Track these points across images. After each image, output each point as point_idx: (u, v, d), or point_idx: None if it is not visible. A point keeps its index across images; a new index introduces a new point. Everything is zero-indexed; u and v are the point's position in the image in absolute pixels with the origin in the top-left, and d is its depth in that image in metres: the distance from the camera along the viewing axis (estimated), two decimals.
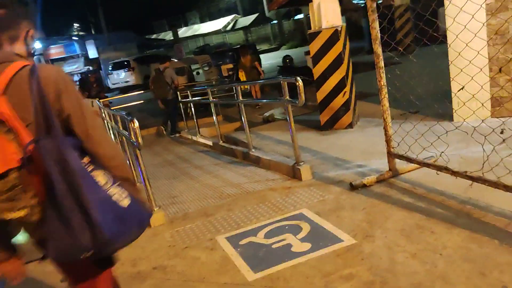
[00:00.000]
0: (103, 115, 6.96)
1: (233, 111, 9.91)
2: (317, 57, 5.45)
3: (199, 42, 45.27)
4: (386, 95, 3.61)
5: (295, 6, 19.99)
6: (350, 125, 5.53)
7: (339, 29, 5.29)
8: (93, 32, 31.97)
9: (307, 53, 13.45)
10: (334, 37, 5.30)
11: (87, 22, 33.60)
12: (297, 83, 3.79)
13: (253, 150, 5.32)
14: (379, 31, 3.47)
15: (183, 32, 43.33)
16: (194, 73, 13.75)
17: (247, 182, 4.45)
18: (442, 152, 3.31)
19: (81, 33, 32.04)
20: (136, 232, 1.45)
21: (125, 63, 22.88)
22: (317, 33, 5.39)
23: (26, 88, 1.35)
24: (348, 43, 5.56)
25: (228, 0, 47.29)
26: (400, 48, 4.10)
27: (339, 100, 5.47)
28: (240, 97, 5.25)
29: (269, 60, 24.06)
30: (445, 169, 3.04)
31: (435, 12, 12.11)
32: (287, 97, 4.09)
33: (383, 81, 3.56)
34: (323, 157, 4.69)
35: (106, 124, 6.69)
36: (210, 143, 6.97)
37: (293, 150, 4.21)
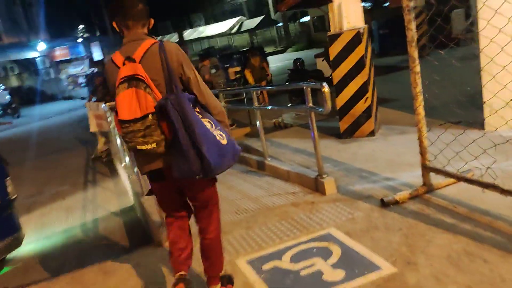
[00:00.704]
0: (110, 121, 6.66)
1: (241, 115, 9.62)
2: (337, 61, 5.14)
3: (204, 45, 45.08)
4: (422, 103, 3.29)
5: (305, 8, 19.68)
6: (372, 133, 5.21)
7: (361, 31, 4.97)
8: (98, 33, 31.80)
9: (317, 55, 13.15)
10: (355, 40, 4.98)
11: (92, 23, 33.43)
12: (323, 90, 3.48)
13: (269, 159, 5.01)
14: (415, 33, 3.14)
15: (188, 34, 43.14)
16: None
17: (265, 195, 4.14)
18: (488, 167, 2.99)
19: (86, 34, 31.87)
20: (231, 162, 2.15)
21: None
22: (337, 35, 5.08)
23: (157, 58, 2.05)
24: (370, 46, 5.24)
25: (233, 2, 47.07)
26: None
27: (361, 107, 5.15)
28: (256, 103, 4.94)
29: (275, 62, 23.75)
30: (493, 187, 2.72)
31: (447, 15, 11.74)
32: (311, 104, 3.78)
33: (419, 88, 3.27)
34: (346, 168, 4.37)
35: (113, 132, 6.41)
36: None
37: (316, 160, 3.90)
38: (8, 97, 22.44)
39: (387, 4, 18.45)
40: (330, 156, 4.85)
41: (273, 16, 42.18)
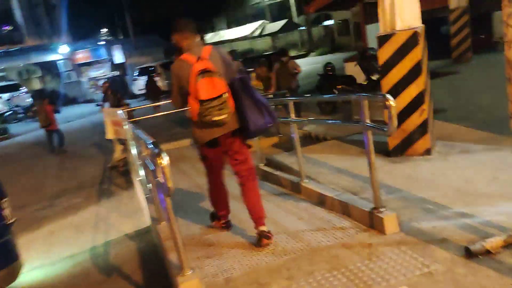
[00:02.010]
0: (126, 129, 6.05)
1: None
2: (388, 66, 4.38)
3: (226, 48, 44.67)
4: None
5: (333, 10, 18.90)
6: (428, 152, 4.42)
7: (419, 31, 4.20)
8: (120, 36, 31.69)
9: (346, 60, 12.35)
10: (411, 41, 4.22)
11: (114, 26, 33.37)
12: (388, 103, 2.73)
13: (306, 180, 4.27)
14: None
15: (210, 38, 42.76)
16: None
17: (306, 229, 3.39)
18: None
19: (108, 37, 31.80)
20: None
21: (151, 68, 22.25)
22: (388, 36, 4.32)
23: (217, 57, 3.05)
24: (426, 49, 4.46)
25: (256, 5, 46.53)
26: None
27: (415, 120, 4.37)
28: (293, 115, 4.21)
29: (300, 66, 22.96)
30: None
31: (488, 16, 10.78)
32: (369, 121, 3.03)
33: None
34: (403, 196, 3.60)
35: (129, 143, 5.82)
36: None
37: (372, 189, 3.15)
38: (29, 99, 22.30)
39: None
40: (380, 179, 4.07)
41: (296, 19, 41.43)
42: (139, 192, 6.15)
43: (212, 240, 3.59)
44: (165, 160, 2.36)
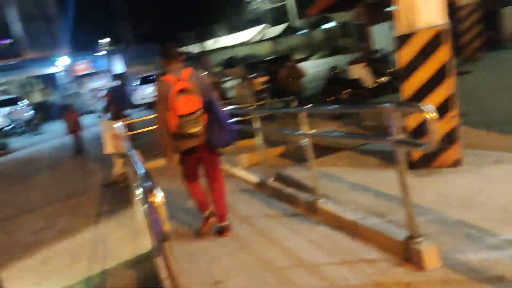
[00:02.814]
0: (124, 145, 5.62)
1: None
2: (409, 69, 3.91)
3: (226, 54, 44.27)
4: None
5: (334, 12, 18.45)
6: (458, 163, 3.94)
7: (444, 28, 3.74)
8: (119, 46, 31.37)
9: (351, 62, 11.89)
10: (436, 41, 3.75)
11: (114, 35, 33.07)
12: (426, 116, 2.26)
13: (322, 199, 3.80)
14: None
15: (210, 44, 42.45)
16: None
17: (328, 261, 2.92)
18: None
19: (108, 47, 31.48)
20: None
21: (152, 77, 21.85)
22: (408, 36, 3.85)
23: (195, 78, 3.55)
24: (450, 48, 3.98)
25: (255, 11, 46.22)
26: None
27: (443, 128, 3.90)
28: (307, 129, 3.74)
29: None
30: None
31: (496, 13, 10.22)
32: (400, 136, 2.56)
33: None
34: (438, 219, 3.12)
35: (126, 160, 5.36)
36: (255, 180, 5.49)
37: (405, 215, 2.67)
38: (31, 112, 21.93)
39: None
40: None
41: (296, 23, 41.07)
42: (139, 212, 5.69)
43: (218, 275, 3.11)
44: (158, 197, 1.90)
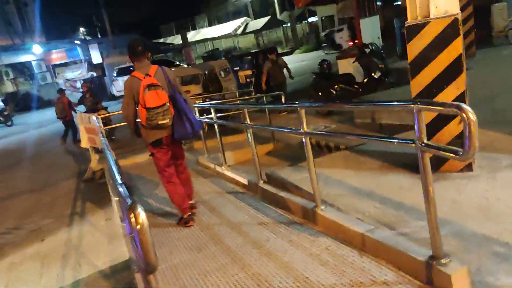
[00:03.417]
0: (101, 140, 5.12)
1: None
2: (420, 63, 3.55)
3: (208, 47, 43.54)
4: None
5: (323, 4, 18.13)
6: (469, 167, 3.61)
7: (458, 18, 3.39)
8: (97, 35, 30.30)
9: (339, 57, 11.56)
10: (450, 32, 3.40)
11: (91, 25, 31.94)
12: (465, 116, 1.89)
13: (322, 207, 3.42)
14: None
15: (191, 36, 41.61)
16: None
17: (335, 283, 2.54)
18: None
19: (85, 36, 30.37)
20: (201, 129, 4.53)
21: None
22: (420, 26, 3.49)
23: (161, 75, 3.90)
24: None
25: (238, 2, 45.56)
26: None
27: (453, 129, 3.56)
28: (305, 127, 3.34)
29: None
30: None
31: (487, 9, 9.93)
32: (426, 140, 2.19)
33: None
34: (457, 232, 2.77)
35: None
36: (244, 181, 5.08)
37: (429, 232, 2.31)
38: (0, 104, 20.93)
39: (398, 3, 16.76)
40: (412, 204, 3.25)
41: (279, 16, 40.63)
42: (117, 215, 5.22)
43: None
44: (141, 218, 1.47)
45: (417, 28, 3.51)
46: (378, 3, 13.06)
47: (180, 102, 3.93)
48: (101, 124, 7.98)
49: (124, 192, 1.68)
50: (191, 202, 4.34)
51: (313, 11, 35.60)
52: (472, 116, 1.86)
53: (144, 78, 3.81)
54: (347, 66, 10.77)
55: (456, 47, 3.41)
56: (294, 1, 12.21)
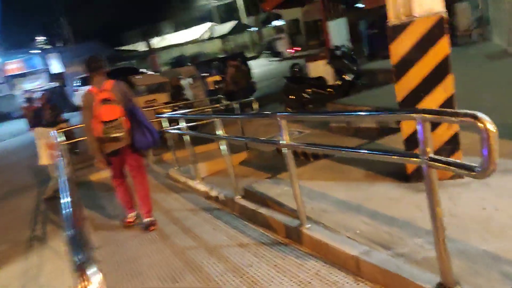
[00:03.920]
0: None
1: (229, 131, 7.68)
2: (404, 65, 3.31)
3: (174, 53, 42.79)
4: None
5: (292, 6, 17.98)
6: (460, 174, 3.40)
7: (444, 16, 3.17)
8: (57, 44, 29.08)
9: (309, 59, 11.39)
10: (435, 31, 3.18)
11: (52, 34, 30.67)
12: (483, 127, 1.62)
13: (307, 225, 3.12)
14: None
15: (156, 42, 40.81)
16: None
17: None
18: None
19: (44, 46, 29.08)
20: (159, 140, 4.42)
21: None
22: (404, 26, 3.25)
23: (117, 89, 4.04)
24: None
25: (202, 8, 45.11)
26: None
27: (442, 134, 3.34)
28: (288, 138, 3.03)
29: (254, 68, 21.85)
30: None
31: (449, 8, 9.94)
32: (433, 154, 1.91)
33: None
34: (459, 250, 2.51)
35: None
36: (220, 196, 4.72)
37: (438, 259, 2.03)
38: None
39: (361, 5, 16.84)
40: (406, 217, 2.99)
41: (245, 21, 40.48)
42: None
43: None
44: (94, 284, 1.10)
45: (401, 27, 3.28)
46: (343, 6, 13.02)
47: (139, 115, 4.13)
48: (61, 139, 7.44)
49: (75, 242, 1.30)
50: (150, 219, 4.38)
51: (279, 15, 35.61)
52: (492, 127, 1.60)
53: (100, 93, 4.02)
54: (317, 69, 10.61)
55: (443, 47, 3.20)
56: (262, 4, 11.97)
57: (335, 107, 7.42)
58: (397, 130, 4.64)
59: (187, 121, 5.81)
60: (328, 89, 8.17)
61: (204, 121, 7.54)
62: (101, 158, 4.16)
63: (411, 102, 3.37)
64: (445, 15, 3.17)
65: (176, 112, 7.16)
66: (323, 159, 4.71)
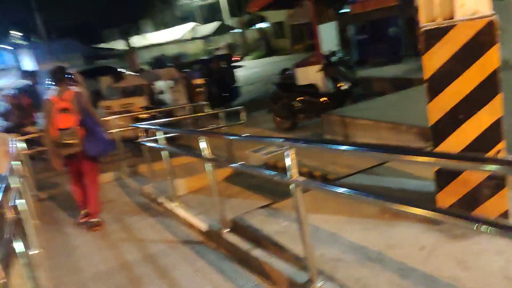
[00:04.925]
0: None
1: (213, 141, 6.92)
2: (441, 80, 2.65)
3: (154, 52, 41.67)
4: None
5: (279, 8, 17.33)
6: (505, 215, 2.75)
7: (493, 21, 2.52)
8: (29, 41, 27.69)
9: (299, 65, 10.73)
10: (483, 39, 2.52)
11: (24, 29, 29.23)
12: None
13: (320, 282, 2.42)
14: None
15: (136, 41, 39.62)
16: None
17: None
18: None
19: (16, 41, 27.66)
20: (113, 148, 5.07)
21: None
22: (441, 31, 2.59)
23: (76, 100, 4.38)
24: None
25: (185, 7, 44.14)
26: None
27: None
28: (296, 172, 2.32)
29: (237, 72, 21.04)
30: None
31: None
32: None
33: None
34: None
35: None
36: (202, 225, 3.97)
37: None
38: None
39: (346, 10, 16.31)
40: (446, 276, 2.32)
41: (229, 22, 39.73)
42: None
43: None
44: None
45: (438, 33, 2.61)
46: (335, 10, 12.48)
47: (92, 124, 4.50)
48: (21, 146, 6.57)
49: None
50: (96, 219, 4.68)
51: (263, 17, 34.99)
52: None
53: (60, 101, 4.40)
54: (307, 75, 9.96)
55: (492, 59, 2.54)
56: (249, 5, 11.25)
57: (330, 118, 6.77)
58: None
59: (166, 132, 5.05)
60: (322, 98, 7.51)
61: (185, 133, 6.77)
62: (55, 160, 4.55)
63: (446, 127, 2.70)
64: (495, 19, 2.51)
65: (154, 121, 6.37)
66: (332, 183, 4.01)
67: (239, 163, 3.46)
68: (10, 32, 28.85)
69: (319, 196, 3.73)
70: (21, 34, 29.23)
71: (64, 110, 4.34)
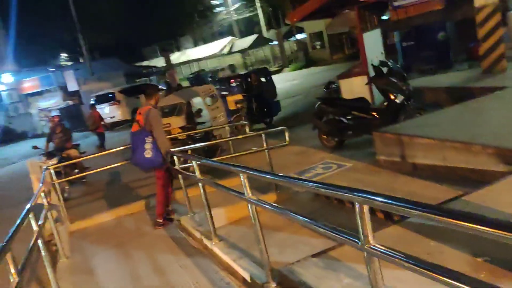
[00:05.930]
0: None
1: (253, 160, 6.37)
2: None
3: (193, 68, 42.15)
4: None
5: (319, 18, 16.78)
6: None
7: None
8: (73, 61, 28.60)
9: (342, 76, 10.03)
10: None
11: (70, 50, 30.27)
12: None
13: None
14: None
15: (176, 57, 40.20)
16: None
17: None
18: None
19: (60, 63, 28.62)
20: (150, 166, 5.39)
21: (110, 95, 19.40)
22: None
23: (146, 114, 5.18)
24: None
25: (223, 22, 44.50)
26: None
27: None
28: (372, 239, 1.68)
29: (275, 84, 20.53)
30: None
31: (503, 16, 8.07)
32: None
33: None
34: None
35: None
36: (244, 273, 3.38)
37: None
38: None
39: (386, 17, 15.40)
40: None
41: (266, 34, 39.53)
42: None
43: None
44: None
45: None
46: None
47: (140, 137, 5.24)
48: (55, 177, 6.28)
49: None
50: (158, 220, 5.42)
51: (300, 28, 34.50)
52: None
53: (138, 115, 5.29)
54: (352, 87, 9.24)
55: None
56: (288, 16, 10.76)
57: (384, 136, 6.02)
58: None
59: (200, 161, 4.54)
60: (373, 113, 6.78)
61: (223, 156, 6.26)
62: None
63: None
64: None
65: (189, 147, 5.90)
66: (396, 224, 3.31)
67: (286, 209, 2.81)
68: (55, 54, 29.93)
69: (392, 236, 3.03)
70: (65, 55, 30.24)
71: (136, 121, 5.25)
